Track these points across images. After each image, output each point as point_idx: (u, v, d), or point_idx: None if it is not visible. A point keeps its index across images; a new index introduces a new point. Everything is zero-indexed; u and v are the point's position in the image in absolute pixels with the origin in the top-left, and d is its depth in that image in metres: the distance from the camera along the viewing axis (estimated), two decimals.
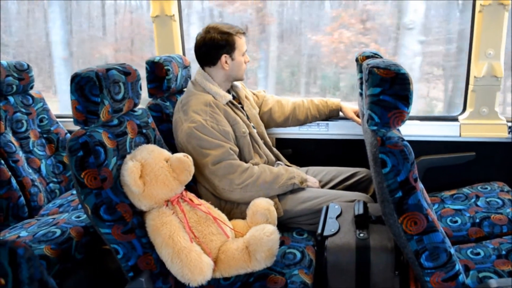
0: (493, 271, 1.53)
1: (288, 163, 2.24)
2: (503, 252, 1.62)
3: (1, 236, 1.97)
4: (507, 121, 2.36)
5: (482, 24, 2.26)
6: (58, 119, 2.66)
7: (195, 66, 2.15)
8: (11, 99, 2.46)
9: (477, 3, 2.26)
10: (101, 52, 3.86)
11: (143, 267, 1.49)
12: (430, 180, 2.25)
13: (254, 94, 2.36)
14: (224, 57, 2.00)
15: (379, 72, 1.24)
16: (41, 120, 2.57)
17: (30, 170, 2.37)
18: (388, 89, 1.22)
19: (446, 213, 2.00)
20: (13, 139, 2.35)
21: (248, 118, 2.13)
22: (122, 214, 1.47)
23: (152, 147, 1.63)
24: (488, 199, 2.05)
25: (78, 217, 2.04)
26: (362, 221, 1.65)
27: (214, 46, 1.99)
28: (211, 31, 1.99)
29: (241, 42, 2.04)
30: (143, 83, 1.77)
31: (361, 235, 1.59)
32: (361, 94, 1.84)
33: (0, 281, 0.82)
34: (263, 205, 1.75)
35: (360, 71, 1.79)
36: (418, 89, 3.24)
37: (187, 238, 1.50)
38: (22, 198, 2.23)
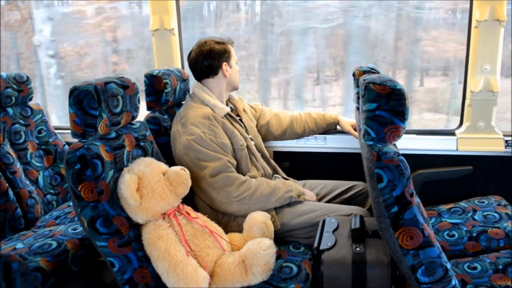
0: (490, 285, 1.53)
1: (286, 176, 2.24)
2: (500, 267, 1.62)
3: None
4: (504, 135, 2.37)
5: (478, 39, 2.28)
6: (56, 131, 2.67)
7: (193, 79, 2.16)
8: (10, 110, 2.46)
9: (473, 19, 2.28)
10: None
11: (139, 280, 1.49)
12: (427, 193, 2.26)
13: (251, 107, 2.38)
14: (224, 65, 2.05)
15: (375, 87, 1.25)
16: (39, 132, 2.58)
17: (28, 182, 2.37)
18: (384, 104, 1.23)
19: (443, 227, 2.00)
20: (11, 151, 2.36)
21: (246, 130, 2.15)
22: (118, 227, 1.47)
23: (149, 160, 1.63)
24: (485, 213, 2.05)
25: (75, 229, 2.04)
26: (358, 235, 1.64)
27: (214, 56, 2.03)
28: (207, 42, 2.03)
29: (233, 51, 2.11)
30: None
31: (358, 249, 1.58)
32: (358, 109, 1.85)
33: None
34: (259, 219, 1.75)
35: (357, 86, 1.80)
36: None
37: (183, 251, 1.50)
38: (19, 210, 2.23)
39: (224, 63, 2.06)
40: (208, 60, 2.04)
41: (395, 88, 1.23)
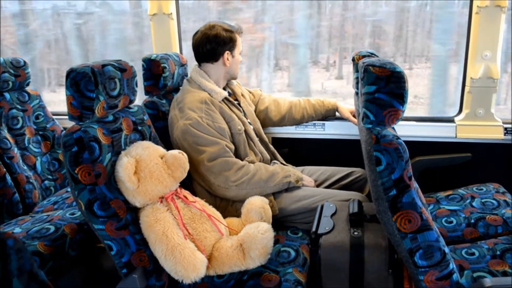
0: (488, 271, 1.53)
1: (284, 162, 2.23)
2: (498, 253, 1.62)
3: None
4: (503, 123, 2.36)
5: (479, 25, 2.26)
6: (54, 116, 2.66)
7: (191, 64, 2.15)
8: (7, 95, 2.45)
9: (474, 5, 2.26)
10: None
11: (137, 263, 1.49)
12: (425, 180, 2.25)
13: (250, 92, 2.37)
14: (226, 54, 2.03)
15: (374, 70, 1.23)
16: (37, 117, 2.56)
17: (25, 167, 2.36)
18: (383, 87, 1.22)
19: (442, 214, 2.00)
20: (8, 136, 2.34)
21: (244, 114, 2.14)
22: (116, 210, 1.46)
23: (147, 143, 1.62)
24: (483, 200, 2.05)
25: (73, 214, 2.04)
26: (356, 220, 1.65)
27: (219, 42, 2.01)
28: (215, 27, 2.00)
29: (240, 41, 2.08)
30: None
31: (356, 233, 1.58)
32: (357, 94, 1.84)
33: None
34: (257, 203, 1.75)
35: (357, 71, 1.79)
36: None
37: (181, 235, 1.50)
38: (16, 195, 2.22)
39: (227, 52, 2.03)
40: (211, 45, 2.01)
41: (394, 71, 1.22)
